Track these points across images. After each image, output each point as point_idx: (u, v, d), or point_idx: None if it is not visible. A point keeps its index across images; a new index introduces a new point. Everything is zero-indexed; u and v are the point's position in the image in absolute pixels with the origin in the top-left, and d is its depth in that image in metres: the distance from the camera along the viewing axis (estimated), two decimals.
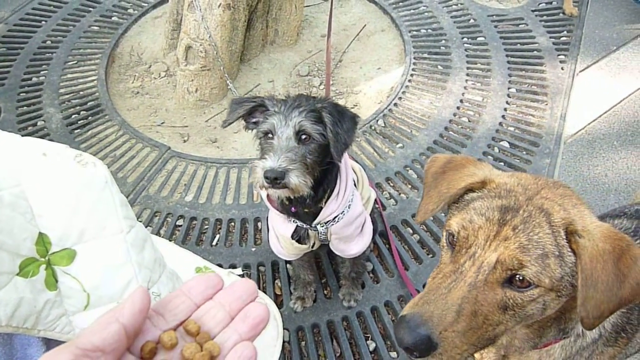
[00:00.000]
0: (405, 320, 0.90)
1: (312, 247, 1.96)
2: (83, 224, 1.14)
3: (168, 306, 0.60)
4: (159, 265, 1.38)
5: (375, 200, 2.42)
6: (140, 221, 2.64)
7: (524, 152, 2.89)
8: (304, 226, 1.81)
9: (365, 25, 3.84)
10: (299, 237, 1.88)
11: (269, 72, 3.52)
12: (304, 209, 1.73)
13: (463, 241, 0.96)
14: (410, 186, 2.76)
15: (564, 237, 0.92)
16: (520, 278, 0.90)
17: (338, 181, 1.76)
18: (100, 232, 1.19)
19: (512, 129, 3.02)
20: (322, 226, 1.80)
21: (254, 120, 1.69)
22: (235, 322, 0.61)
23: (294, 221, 1.81)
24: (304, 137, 1.55)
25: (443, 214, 2.61)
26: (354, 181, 1.94)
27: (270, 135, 1.56)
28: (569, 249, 0.91)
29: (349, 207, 1.81)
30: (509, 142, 2.95)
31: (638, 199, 2.35)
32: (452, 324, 0.88)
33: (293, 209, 1.75)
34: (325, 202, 1.73)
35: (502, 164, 2.83)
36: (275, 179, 1.46)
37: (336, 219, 1.79)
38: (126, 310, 0.54)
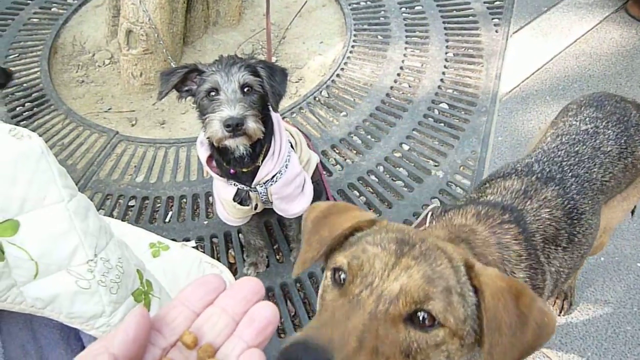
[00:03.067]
0: (301, 341, 0.71)
1: (256, 209, 2.03)
2: (23, 194, 1.18)
3: (165, 319, 0.52)
4: (105, 232, 1.42)
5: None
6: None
7: (463, 112, 3.02)
8: (244, 188, 1.89)
9: (306, 2, 3.90)
10: (240, 199, 1.95)
11: (213, 53, 3.55)
12: (242, 169, 1.81)
13: (356, 270, 0.83)
14: (355, 151, 2.86)
15: (464, 272, 0.87)
16: (423, 316, 0.79)
17: (273, 141, 1.84)
18: (41, 202, 1.22)
19: (450, 91, 3.15)
20: (262, 186, 1.88)
21: (186, 88, 1.76)
22: (240, 328, 0.54)
23: (234, 184, 1.89)
24: (246, 89, 1.66)
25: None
26: (291, 144, 2.03)
27: (214, 93, 1.65)
28: (470, 287, 0.86)
29: (286, 167, 1.89)
30: (448, 104, 3.07)
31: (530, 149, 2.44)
32: (354, 354, 0.71)
33: (232, 170, 1.82)
34: (262, 162, 1.82)
35: (442, 124, 2.95)
36: (237, 126, 1.58)
37: (274, 179, 1.87)
38: (117, 339, 0.47)
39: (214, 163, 1.89)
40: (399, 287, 0.79)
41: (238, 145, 1.69)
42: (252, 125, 1.62)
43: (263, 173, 1.83)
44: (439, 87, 3.17)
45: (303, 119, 3.04)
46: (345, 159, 2.81)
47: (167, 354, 0.51)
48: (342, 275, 0.86)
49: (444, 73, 3.25)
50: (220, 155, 1.81)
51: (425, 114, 3.02)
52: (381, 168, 2.76)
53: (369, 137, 2.92)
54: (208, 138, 1.70)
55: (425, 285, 0.79)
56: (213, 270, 2.23)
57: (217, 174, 1.88)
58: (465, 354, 0.88)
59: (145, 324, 0.48)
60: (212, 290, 0.55)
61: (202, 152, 1.87)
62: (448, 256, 0.87)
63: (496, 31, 3.50)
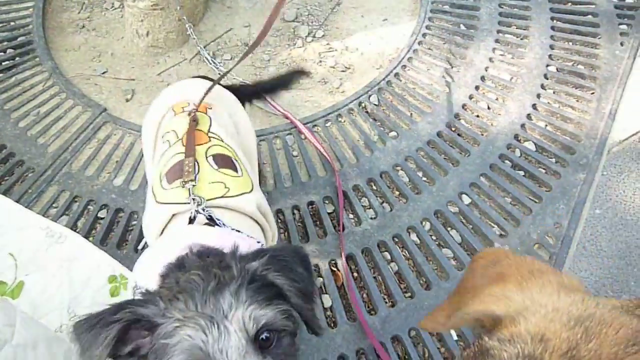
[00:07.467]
0: None
1: None
2: None
3: None
4: None
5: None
6: (55, 206, 2.12)
7: (553, 160, 2.22)
8: None
9: None
10: None
11: (246, 14, 2.80)
12: None
13: None
14: (397, 193, 2.14)
15: None
16: None
17: None
18: None
19: (542, 124, 2.32)
20: None
21: (128, 349, 0.90)
22: None
23: None
24: (265, 336, 0.85)
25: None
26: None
27: None
28: None
29: None
30: (535, 144, 2.26)
31: None
32: None
33: None
34: None
35: (522, 173, 2.18)
36: None
37: None
38: None
39: None
40: None
41: None
42: None
43: None
44: (529, 115, 2.35)
45: (339, 131, 2.31)
46: (383, 202, 2.11)
47: None
48: None
49: (539, 96, 2.41)
50: None
51: (502, 155, 2.23)
52: (427, 225, 2.04)
53: (419, 174, 2.18)
54: None
55: None
56: None
57: None
58: None
59: None
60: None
61: None
62: None
63: (621, 43, 2.57)
